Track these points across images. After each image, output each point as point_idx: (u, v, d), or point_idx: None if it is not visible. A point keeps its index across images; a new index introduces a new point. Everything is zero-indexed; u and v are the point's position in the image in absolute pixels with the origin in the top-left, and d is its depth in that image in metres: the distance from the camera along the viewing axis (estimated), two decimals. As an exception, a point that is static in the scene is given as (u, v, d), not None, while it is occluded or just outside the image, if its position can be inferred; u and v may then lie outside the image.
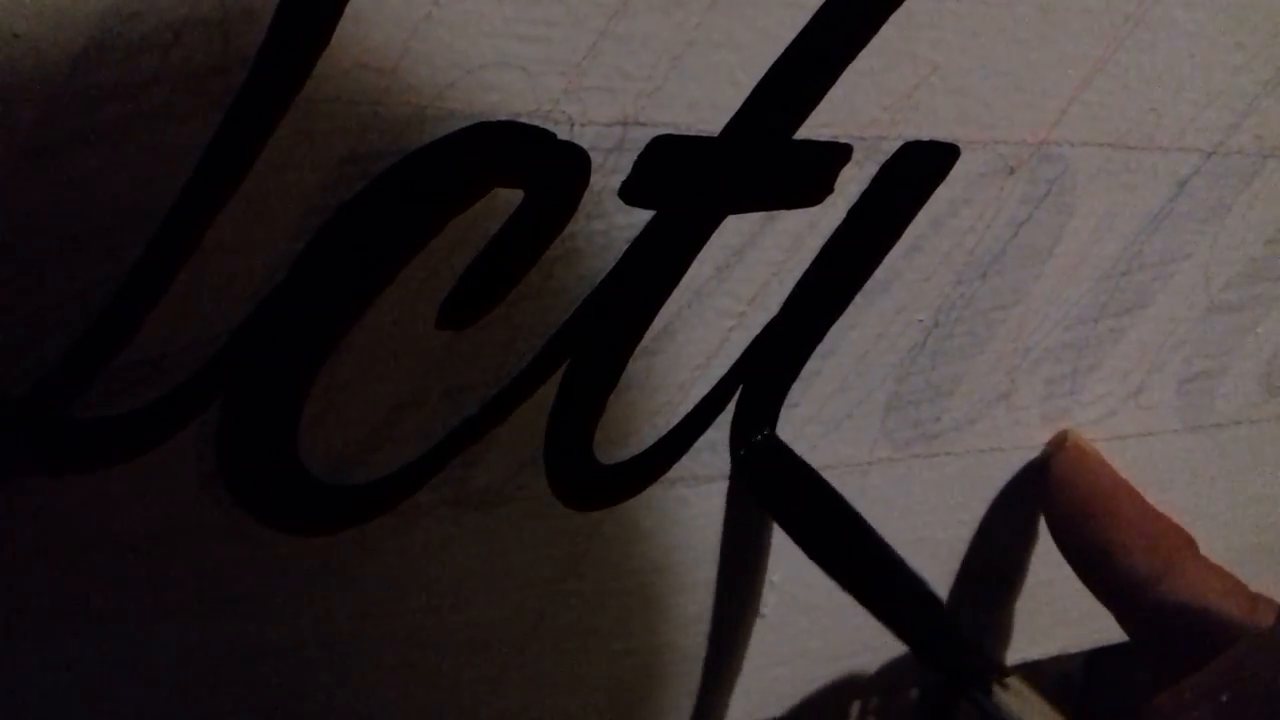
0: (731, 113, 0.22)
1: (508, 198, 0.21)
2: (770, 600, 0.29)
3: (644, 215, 0.23)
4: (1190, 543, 0.29)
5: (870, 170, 0.25)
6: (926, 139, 0.25)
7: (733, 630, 0.29)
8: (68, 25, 0.17)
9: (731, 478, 0.27)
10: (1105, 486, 0.30)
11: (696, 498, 0.27)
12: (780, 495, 0.27)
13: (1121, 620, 0.29)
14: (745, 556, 0.28)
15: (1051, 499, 0.31)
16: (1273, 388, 0.34)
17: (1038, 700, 0.26)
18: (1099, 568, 0.29)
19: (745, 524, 0.28)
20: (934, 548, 0.31)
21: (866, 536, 0.27)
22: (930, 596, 0.28)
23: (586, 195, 0.22)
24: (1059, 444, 0.31)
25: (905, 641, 0.28)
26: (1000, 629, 0.34)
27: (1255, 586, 0.28)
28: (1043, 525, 0.33)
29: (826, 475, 0.28)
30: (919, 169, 0.25)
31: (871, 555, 0.27)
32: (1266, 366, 0.33)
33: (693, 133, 0.22)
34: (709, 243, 0.24)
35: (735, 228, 0.24)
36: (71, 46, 0.17)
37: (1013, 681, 0.26)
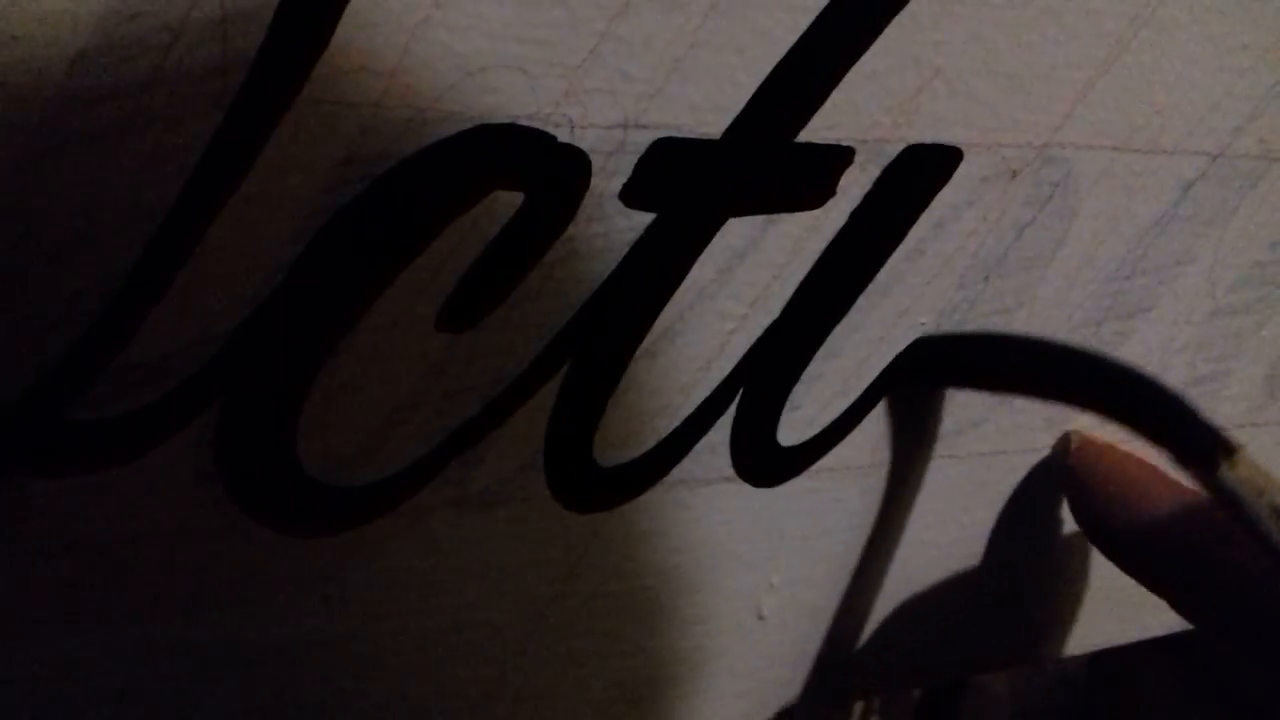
0: (733, 115, 0.22)
1: (508, 200, 0.21)
2: (770, 602, 0.29)
3: (645, 218, 0.23)
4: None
5: (873, 173, 0.24)
6: (929, 142, 0.25)
7: (732, 632, 0.29)
8: (66, 27, 0.17)
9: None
10: (1135, 473, 0.29)
11: (696, 500, 0.27)
12: (965, 363, 0.28)
13: (1181, 607, 0.28)
14: (746, 558, 0.28)
15: (1081, 497, 0.30)
16: (1277, 391, 0.34)
17: (1272, 479, 0.24)
18: (1147, 556, 0.28)
19: (746, 526, 0.28)
20: (937, 550, 0.31)
21: (1054, 345, 0.28)
22: (1142, 374, 0.27)
23: (587, 198, 0.22)
24: (1065, 446, 0.31)
25: (1125, 424, 0.27)
26: (1009, 631, 0.34)
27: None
28: (1049, 527, 0.33)
29: (828, 477, 0.28)
30: (922, 172, 0.25)
31: (1069, 356, 0.27)
32: (1271, 370, 0.33)
33: (694, 135, 0.22)
34: (710, 245, 0.24)
35: (737, 230, 0.24)
36: (70, 48, 0.17)
37: (1242, 458, 0.24)
